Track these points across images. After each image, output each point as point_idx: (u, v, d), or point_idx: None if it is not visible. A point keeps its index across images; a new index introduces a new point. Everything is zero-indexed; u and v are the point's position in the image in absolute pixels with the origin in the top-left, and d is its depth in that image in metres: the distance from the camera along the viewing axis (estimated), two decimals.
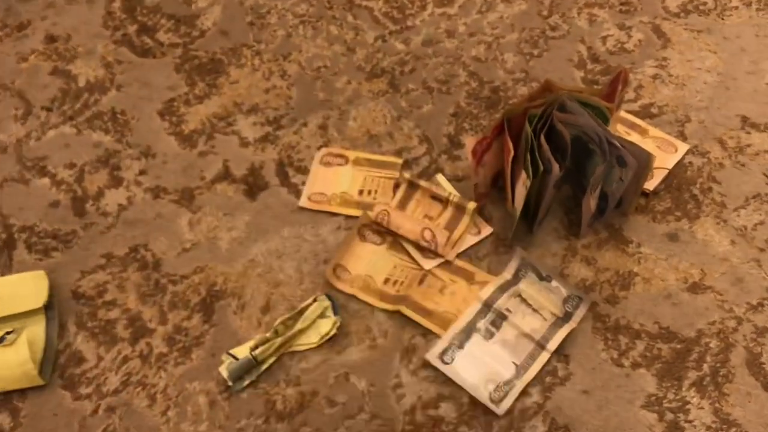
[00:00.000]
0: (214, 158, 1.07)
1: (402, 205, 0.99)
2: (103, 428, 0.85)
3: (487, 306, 0.90)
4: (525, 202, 0.95)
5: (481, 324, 0.89)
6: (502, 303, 0.90)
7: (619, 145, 0.88)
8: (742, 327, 0.88)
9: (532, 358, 0.87)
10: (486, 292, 0.90)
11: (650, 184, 0.99)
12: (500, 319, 0.89)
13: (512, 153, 0.90)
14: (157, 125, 1.12)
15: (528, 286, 0.91)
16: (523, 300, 0.90)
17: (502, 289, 0.91)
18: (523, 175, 0.89)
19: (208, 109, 1.13)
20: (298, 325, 0.88)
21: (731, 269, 0.92)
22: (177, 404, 0.86)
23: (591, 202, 0.91)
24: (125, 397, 0.87)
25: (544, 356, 0.86)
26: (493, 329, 0.89)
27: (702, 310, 0.89)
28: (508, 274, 0.92)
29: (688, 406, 0.83)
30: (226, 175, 1.05)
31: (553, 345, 0.87)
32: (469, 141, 0.90)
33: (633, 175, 0.89)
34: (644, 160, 0.89)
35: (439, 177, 1.02)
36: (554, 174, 0.87)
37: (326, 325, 0.89)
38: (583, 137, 0.92)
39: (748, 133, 1.04)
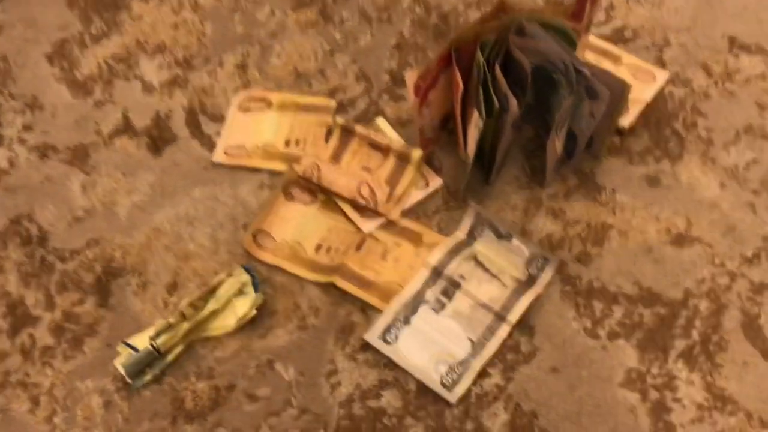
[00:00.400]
0: (113, 108, 0.90)
1: (336, 156, 0.83)
2: None
3: (437, 272, 0.75)
4: (479, 147, 0.80)
5: (431, 294, 0.75)
6: (454, 268, 0.76)
7: (588, 73, 0.72)
8: (736, 284, 0.74)
9: (490, 332, 0.73)
10: (435, 256, 0.76)
11: (625, 120, 0.84)
12: (453, 287, 0.75)
13: (461, 88, 0.74)
14: (45, 71, 0.94)
15: (485, 247, 0.77)
16: (479, 263, 0.76)
17: (455, 251, 0.76)
18: (476, 114, 0.73)
19: (106, 51, 0.95)
20: (210, 306, 0.73)
21: (721, 216, 0.79)
22: (65, 408, 0.71)
23: (557, 144, 0.76)
24: (1, 402, 0.72)
25: (505, 329, 0.73)
26: (444, 300, 0.74)
27: (689, 265, 0.76)
28: (461, 234, 0.78)
29: (675, 382, 0.70)
30: (126, 128, 0.88)
31: (514, 316, 0.73)
32: (410, 76, 0.74)
33: (605, 108, 0.74)
34: (618, 90, 0.74)
35: (380, 121, 0.87)
36: (512, 111, 0.72)
37: (245, 305, 0.74)
38: (546, 66, 0.76)
39: (737, 56, 0.89)
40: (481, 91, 0.73)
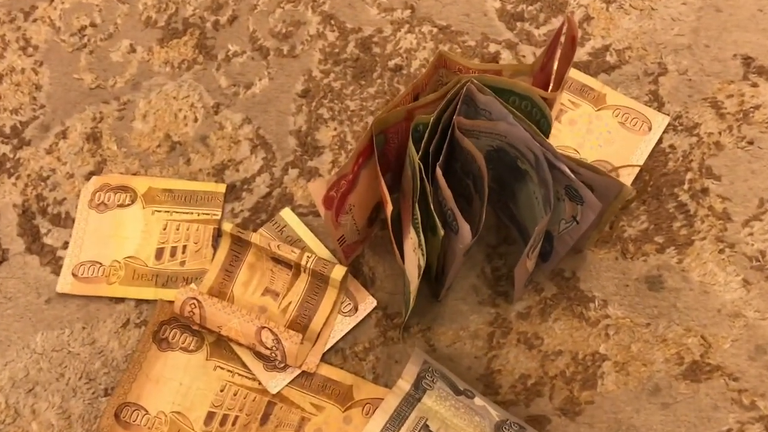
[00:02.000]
0: None
1: (227, 274, 0.60)
2: None
3: None
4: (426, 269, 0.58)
5: None
6: None
7: (569, 173, 0.50)
8: None
9: None
10: (370, 430, 0.55)
11: None
12: None
13: (390, 206, 0.51)
14: None
15: (438, 405, 0.56)
16: None
17: (398, 417, 0.56)
18: (412, 236, 0.51)
19: None
20: None
21: (747, 331, 0.59)
22: None
23: (528, 264, 0.55)
24: None
25: None
26: None
27: (709, 410, 0.57)
28: (405, 385, 0.57)
29: None
30: None
31: None
32: (315, 187, 0.50)
33: (596, 215, 0.52)
34: (610, 193, 0.52)
35: (285, 213, 0.64)
36: (462, 238, 0.50)
37: None
38: (508, 151, 0.54)
39: (755, 85, 0.67)
40: (417, 211, 0.50)
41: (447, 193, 0.50)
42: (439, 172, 0.50)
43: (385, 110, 0.52)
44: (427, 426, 0.56)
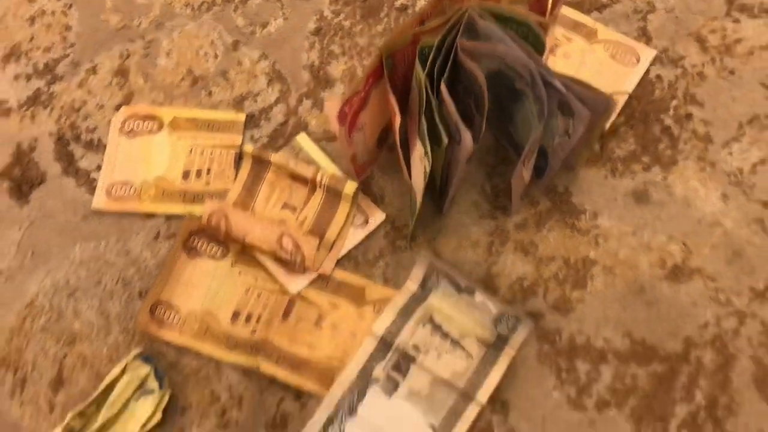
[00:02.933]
0: None
1: (249, 192, 0.66)
2: None
3: (386, 344, 0.61)
4: (429, 175, 0.64)
5: (380, 371, 0.60)
6: (407, 337, 0.61)
7: (561, 88, 0.55)
8: (746, 327, 0.61)
9: (455, 415, 0.59)
10: (383, 323, 0.61)
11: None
12: (406, 361, 0.60)
13: (398, 117, 0.57)
14: None
15: (442, 303, 0.62)
16: (437, 327, 0.61)
17: (406, 312, 0.62)
18: (419, 147, 0.56)
19: None
20: (103, 415, 0.58)
21: (725, 239, 0.65)
22: None
23: (524, 174, 0.60)
24: None
25: (473, 410, 0.59)
26: (397, 377, 0.60)
27: (689, 307, 0.62)
28: (412, 285, 0.63)
29: None
30: None
31: (484, 394, 0.59)
32: (330, 105, 0.56)
33: (585, 127, 0.58)
34: (601, 107, 0.57)
35: (301, 138, 0.69)
36: (465, 147, 0.55)
37: (147, 407, 0.59)
38: (507, 72, 0.59)
39: (737, 21, 0.73)
40: (424, 121, 0.56)
41: (450, 104, 0.55)
42: (443, 86, 0.56)
43: (393, 34, 0.57)
44: (432, 319, 0.61)
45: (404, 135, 0.62)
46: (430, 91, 0.56)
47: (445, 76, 0.56)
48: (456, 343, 0.61)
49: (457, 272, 0.62)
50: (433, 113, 0.56)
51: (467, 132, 0.54)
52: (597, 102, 0.57)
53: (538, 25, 0.58)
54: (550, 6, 0.60)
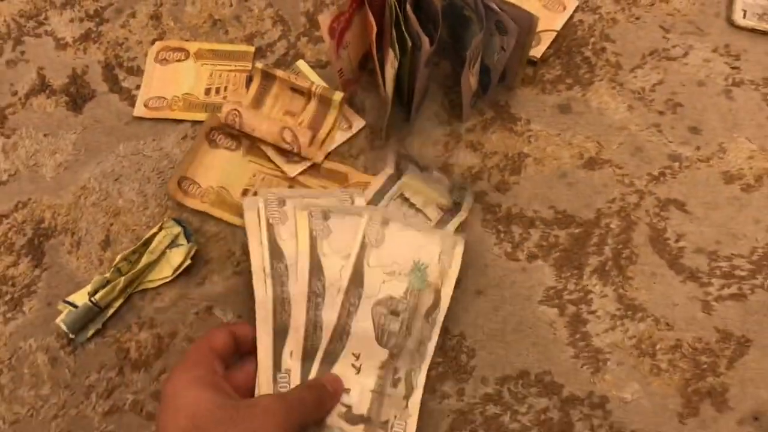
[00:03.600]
0: (26, 67, 0.88)
1: (257, 101, 0.84)
2: None
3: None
4: (399, 87, 0.82)
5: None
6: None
7: (497, 8, 0.74)
8: (644, 201, 0.80)
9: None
10: (365, 197, 0.78)
11: (537, 51, 0.87)
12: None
13: (375, 28, 0.76)
14: None
15: (411, 180, 0.79)
16: (405, 200, 0.79)
17: (381, 191, 0.79)
18: (391, 53, 0.75)
19: (12, 7, 0.92)
20: (145, 259, 0.75)
21: (630, 138, 0.83)
22: (11, 367, 0.73)
23: (471, 79, 0.79)
24: None
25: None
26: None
27: (600, 187, 0.80)
28: (389, 169, 0.80)
29: (590, 296, 0.75)
30: (42, 87, 0.87)
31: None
32: (323, 18, 0.74)
33: (515, 42, 0.77)
34: (527, 24, 0.76)
35: (300, 64, 0.87)
36: (425, 50, 0.74)
37: (179, 255, 0.76)
38: (457, 3, 0.78)
39: None
40: (394, 32, 0.74)
41: (413, 18, 0.74)
42: (408, 7, 0.75)
43: None
44: (402, 194, 0.79)
45: (380, 52, 0.80)
46: (398, 10, 0.75)
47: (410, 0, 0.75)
48: (419, 211, 0.78)
49: (417, 157, 0.80)
50: (400, 26, 0.74)
51: (426, 37, 0.73)
52: (523, 19, 0.75)
53: None
54: None
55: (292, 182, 0.81)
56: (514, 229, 0.79)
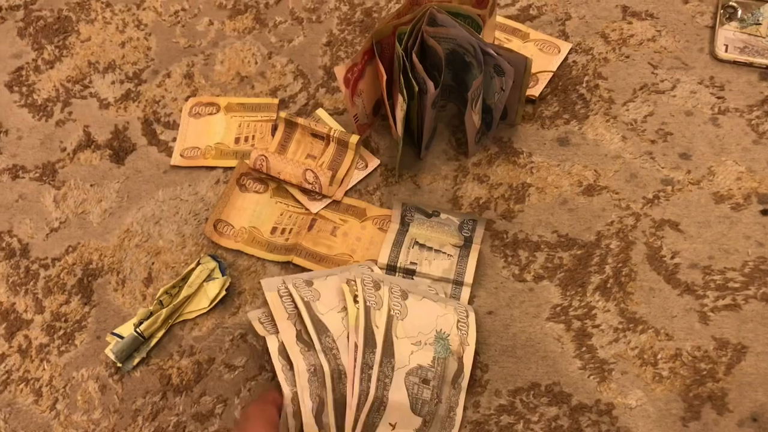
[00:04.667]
0: (74, 126, 0.98)
1: (282, 147, 0.93)
2: None
3: (391, 268, 0.84)
4: (409, 128, 0.90)
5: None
6: (403, 258, 0.84)
7: (494, 53, 0.83)
8: (641, 223, 0.86)
9: (455, 296, 0.83)
10: (384, 255, 0.84)
11: (536, 90, 0.95)
12: (409, 273, 0.84)
13: (385, 76, 0.84)
14: (6, 99, 1.01)
15: (419, 228, 0.86)
16: (422, 246, 0.85)
17: (397, 244, 0.86)
18: (400, 98, 0.83)
19: (61, 74, 1.03)
20: (184, 292, 0.82)
21: (624, 165, 0.90)
22: (65, 395, 0.80)
23: (474, 117, 0.87)
24: (8, 397, 0.81)
25: (466, 291, 0.82)
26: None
27: (599, 211, 0.87)
28: (395, 224, 0.87)
29: (594, 311, 0.81)
30: (88, 143, 0.97)
31: (469, 277, 0.83)
32: (339, 70, 0.83)
33: (513, 82, 0.85)
34: (522, 65, 0.84)
35: (320, 112, 0.96)
36: (430, 93, 0.82)
37: (215, 287, 0.83)
38: (459, 50, 0.86)
39: (630, 23, 1.00)
40: (401, 78, 0.83)
41: (419, 66, 0.82)
42: (414, 56, 0.83)
43: (379, 25, 0.85)
44: (417, 242, 0.86)
45: (390, 98, 0.89)
46: (405, 59, 0.83)
47: (415, 49, 0.84)
48: (438, 251, 0.85)
49: (423, 205, 0.87)
50: (407, 73, 0.83)
51: (431, 82, 0.81)
52: (518, 61, 0.83)
53: (478, 16, 0.86)
54: (489, 4, 0.88)
55: (315, 217, 0.88)
56: (521, 253, 0.85)
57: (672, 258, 0.83)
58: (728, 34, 0.98)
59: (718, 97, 0.93)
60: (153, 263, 0.87)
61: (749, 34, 0.97)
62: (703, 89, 0.94)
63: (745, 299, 0.80)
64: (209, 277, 0.84)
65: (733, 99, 0.93)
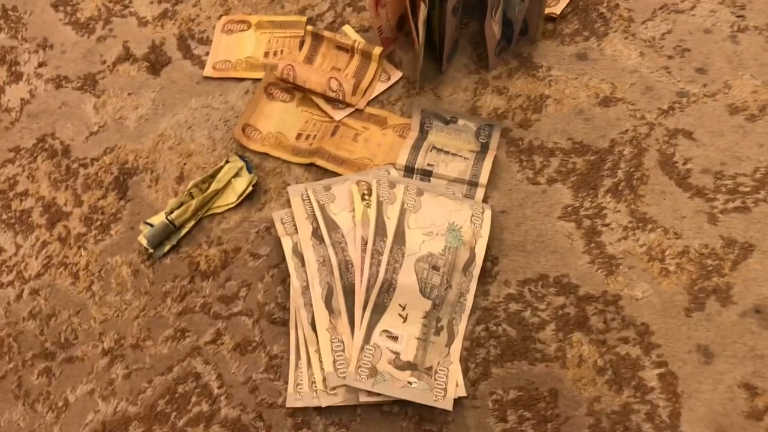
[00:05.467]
0: (114, 41, 1.04)
1: (309, 59, 0.97)
2: (29, 311, 0.84)
3: (409, 169, 0.88)
4: (431, 40, 0.94)
5: None
6: (421, 161, 0.88)
7: None
8: (654, 131, 0.88)
9: (470, 196, 0.86)
10: (402, 158, 0.88)
11: (557, 8, 0.97)
12: (426, 176, 0.87)
13: None
14: (52, 17, 1.07)
15: (437, 136, 0.89)
16: (439, 150, 0.88)
17: (416, 147, 0.89)
18: (422, 5, 0.86)
19: None
20: (213, 187, 0.87)
21: (641, 79, 0.92)
22: (100, 278, 0.86)
23: (494, 27, 0.89)
24: (48, 279, 0.86)
25: (480, 191, 0.86)
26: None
27: (614, 120, 0.89)
28: (415, 132, 0.90)
29: (604, 212, 0.83)
30: (127, 56, 1.02)
31: (483, 178, 0.86)
32: None
33: None
34: None
35: (346, 28, 1.00)
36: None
37: (242, 184, 0.88)
38: None
39: None
40: None
41: None
42: None
43: None
44: (434, 146, 0.89)
45: (414, 15, 0.92)
46: None
47: None
48: (455, 155, 0.88)
49: (441, 110, 0.90)
50: None
51: None
52: None
53: None
54: None
55: (338, 124, 0.92)
56: (536, 158, 0.88)
57: (684, 164, 0.85)
58: None
59: (738, 16, 0.95)
60: (185, 164, 0.92)
61: None
62: (723, 8, 0.96)
63: (755, 202, 0.82)
64: (237, 175, 0.88)
65: (753, 17, 0.94)
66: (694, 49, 0.93)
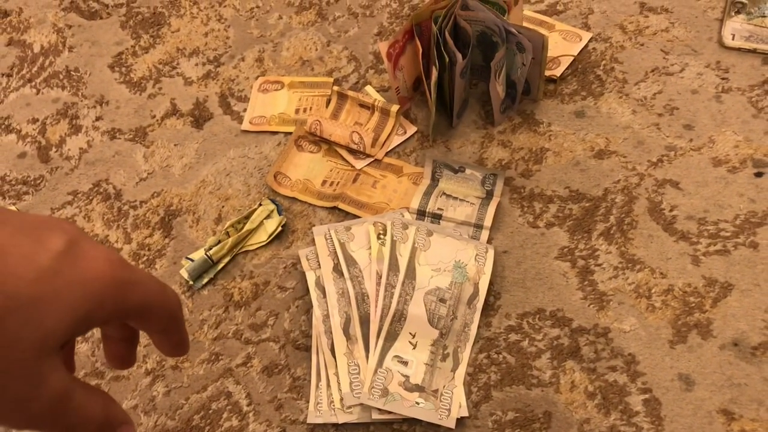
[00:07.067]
0: (162, 98, 1.17)
1: (334, 116, 1.09)
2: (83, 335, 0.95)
3: (421, 212, 0.98)
4: (442, 99, 1.05)
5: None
6: (432, 204, 0.98)
7: (515, 31, 0.97)
8: (644, 181, 0.97)
9: (475, 237, 0.96)
10: (415, 201, 0.98)
11: (557, 71, 1.08)
12: (436, 219, 0.97)
13: (420, 48, 0.99)
14: (109, 77, 1.21)
15: (447, 183, 1.00)
16: (449, 196, 0.99)
17: (427, 194, 0.99)
18: (433, 68, 0.98)
19: (154, 58, 1.22)
20: (247, 227, 0.98)
21: (633, 134, 1.02)
22: None
23: (498, 88, 1.01)
24: None
25: (485, 233, 0.95)
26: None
27: (608, 171, 0.99)
28: (427, 180, 1.01)
29: (597, 253, 0.92)
30: (174, 112, 1.15)
31: (488, 221, 0.95)
32: (382, 46, 0.99)
33: (533, 58, 0.99)
34: (539, 42, 0.98)
35: (368, 88, 1.12)
36: (458, 63, 0.96)
37: (273, 224, 0.99)
38: (487, 32, 1.01)
39: (646, 16, 1.13)
40: (435, 52, 0.98)
41: (450, 41, 0.97)
42: (447, 33, 0.98)
43: (419, 10, 1.01)
44: (444, 193, 1.00)
45: (428, 77, 1.04)
46: (439, 36, 0.98)
47: (448, 28, 0.99)
48: (462, 200, 0.99)
49: (450, 161, 1.01)
50: (440, 47, 0.98)
51: (459, 53, 0.96)
52: (536, 38, 0.97)
53: (503, 2, 1.00)
54: None
55: (359, 173, 1.03)
56: (536, 205, 0.98)
57: (671, 211, 0.94)
58: (735, 25, 1.09)
59: (723, 78, 1.05)
60: (223, 206, 1.04)
61: (755, 25, 1.09)
62: (709, 71, 1.06)
63: (735, 246, 0.90)
64: (268, 216, 1.00)
65: (736, 80, 1.04)
66: (682, 108, 1.03)
